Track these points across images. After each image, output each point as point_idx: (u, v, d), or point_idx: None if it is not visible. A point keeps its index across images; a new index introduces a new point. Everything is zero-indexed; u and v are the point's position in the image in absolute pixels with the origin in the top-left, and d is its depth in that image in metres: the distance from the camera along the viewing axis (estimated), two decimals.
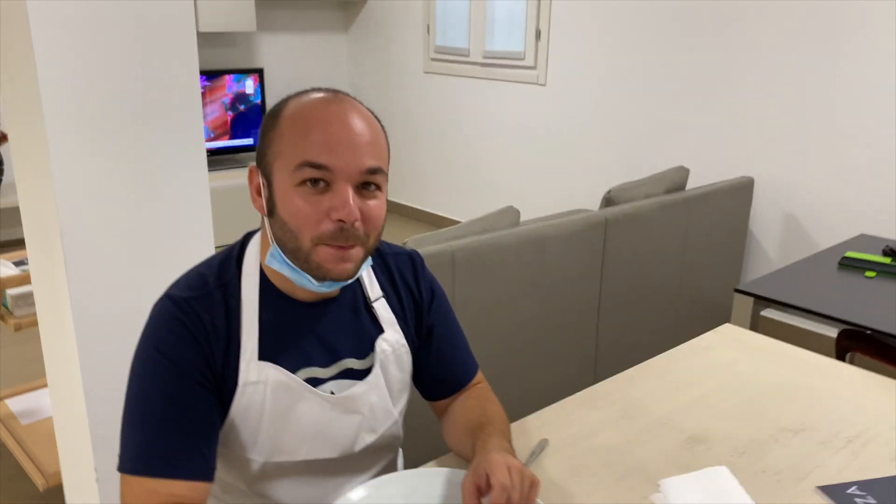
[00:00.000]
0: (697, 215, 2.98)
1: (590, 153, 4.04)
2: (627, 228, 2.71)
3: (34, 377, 2.76)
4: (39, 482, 2.00)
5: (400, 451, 1.26)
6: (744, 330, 1.63)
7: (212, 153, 4.74)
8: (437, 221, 5.05)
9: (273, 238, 0.98)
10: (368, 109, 1.00)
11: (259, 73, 4.84)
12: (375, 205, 0.97)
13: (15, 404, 2.39)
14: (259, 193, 1.00)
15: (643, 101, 3.72)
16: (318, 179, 0.93)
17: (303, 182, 0.93)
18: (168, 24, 1.47)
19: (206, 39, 4.87)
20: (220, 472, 1.05)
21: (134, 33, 1.43)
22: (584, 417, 1.27)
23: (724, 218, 3.15)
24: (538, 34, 4.12)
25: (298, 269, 0.97)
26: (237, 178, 4.58)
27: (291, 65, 5.27)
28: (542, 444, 1.17)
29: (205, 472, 0.95)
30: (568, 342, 2.65)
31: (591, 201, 3.93)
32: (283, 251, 0.97)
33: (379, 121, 1.01)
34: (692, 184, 3.36)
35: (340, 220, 0.93)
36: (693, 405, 1.31)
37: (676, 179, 3.02)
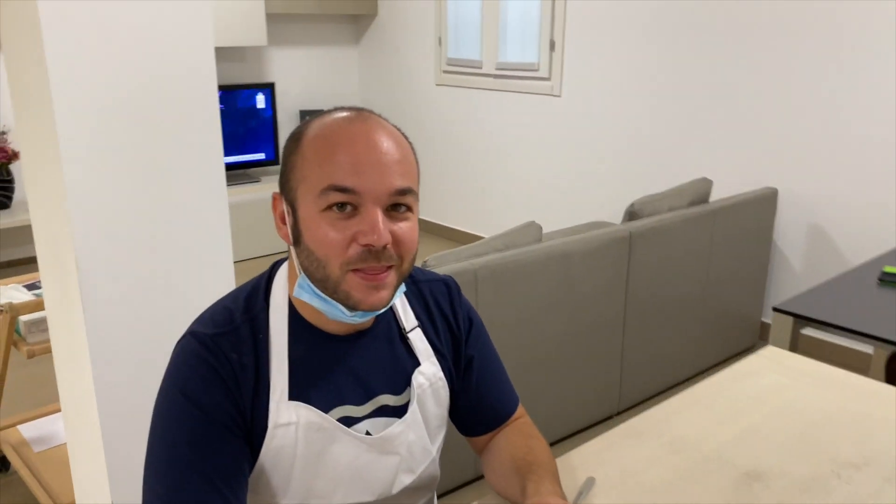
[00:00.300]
0: (722, 228, 2.91)
1: (608, 165, 3.97)
2: (652, 242, 2.64)
3: (46, 401, 2.70)
4: None
5: None
6: (787, 353, 1.56)
7: None
8: (452, 235, 4.98)
9: (300, 268, 0.92)
10: (396, 127, 0.94)
11: (270, 87, 4.80)
12: (407, 226, 0.91)
13: (27, 430, 2.33)
14: (284, 221, 0.95)
15: (662, 110, 3.66)
16: (345, 203, 0.87)
17: (328, 207, 0.87)
18: (186, 38, 1.41)
19: (217, 54, 4.84)
20: None
21: (152, 49, 1.38)
22: (630, 452, 1.19)
23: (749, 230, 3.07)
24: (552, 45, 4.07)
25: (328, 299, 0.91)
26: (248, 193, 4.54)
27: (302, 79, 5.23)
28: (590, 483, 1.10)
29: None
30: (592, 360, 2.58)
31: (610, 214, 3.86)
32: (311, 281, 0.91)
33: (407, 138, 0.95)
34: (715, 196, 3.29)
35: (369, 245, 0.87)
36: (744, 438, 1.23)
37: (700, 191, 2.95)
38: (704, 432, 1.25)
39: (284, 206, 0.94)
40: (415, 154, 0.96)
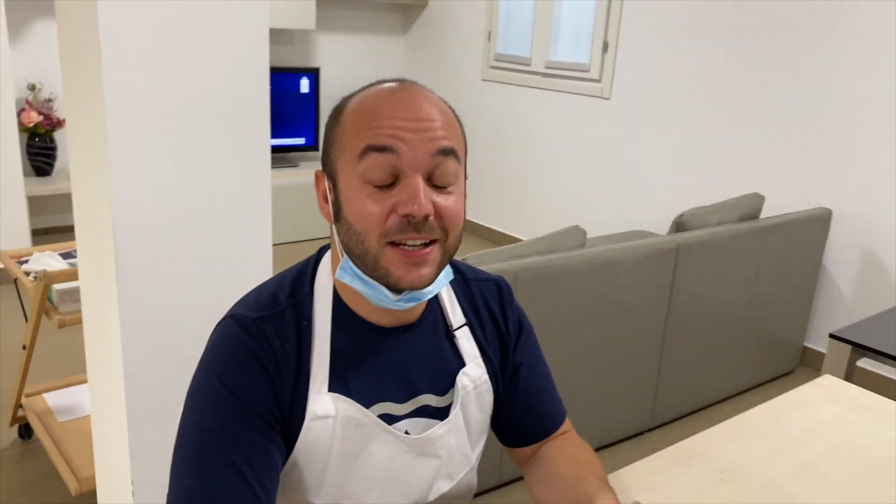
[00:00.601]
0: (771, 246, 2.80)
1: (655, 173, 3.87)
2: (699, 256, 2.55)
3: (75, 370, 2.70)
4: (73, 486, 1.92)
5: None
6: (845, 383, 1.47)
7: None
8: (489, 235, 4.91)
9: (342, 248, 0.87)
10: (442, 100, 0.88)
11: (315, 72, 4.77)
12: (451, 199, 0.84)
13: (53, 399, 2.32)
14: (326, 200, 0.89)
15: (714, 121, 3.54)
16: (385, 185, 0.81)
17: (368, 179, 0.81)
18: (243, 17, 1.37)
19: None
20: None
21: (207, 26, 1.33)
22: (679, 478, 1.12)
23: (799, 251, 2.96)
24: (605, 46, 3.98)
25: (370, 281, 0.85)
26: (285, 178, 4.52)
27: (347, 65, 5.20)
28: None
29: None
30: (628, 373, 2.50)
31: (654, 223, 3.76)
32: (352, 259, 0.85)
33: (454, 111, 0.89)
34: (766, 212, 3.18)
35: (409, 215, 0.80)
36: (802, 472, 1.15)
37: (751, 207, 2.84)
38: (758, 463, 1.17)
39: (326, 183, 0.89)
40: (461, 126, 0.89)
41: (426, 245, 0.83)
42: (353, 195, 0.83)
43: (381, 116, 0.82)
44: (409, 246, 0.82)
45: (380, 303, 0.87)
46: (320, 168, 0.91)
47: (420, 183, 0.81)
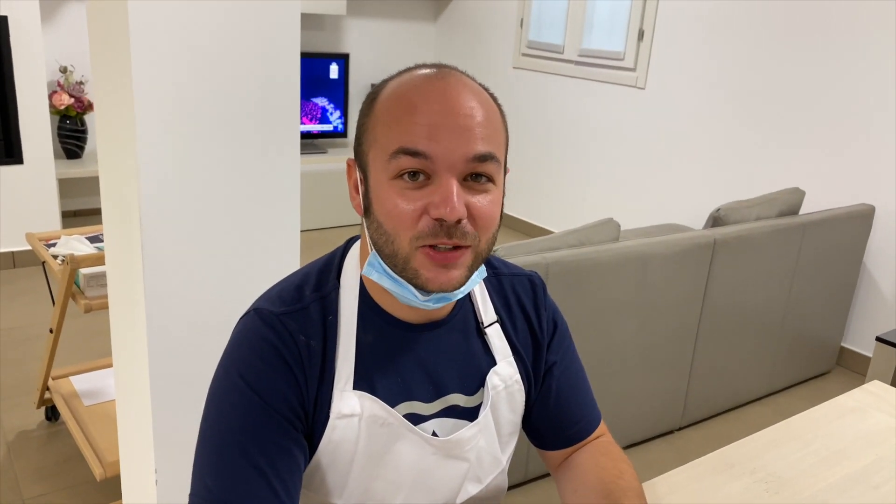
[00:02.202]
0: (810, 243, 2.71)
1: (690, 165, 3.77)
2: (736, 252, 2.47)
3: (102, 352, 2.70)
4: (97, 471, 1.91)
5: None
6: None
7: None
8: (519, 226, 4.85)
9: (371, 243, 0.82)
10: (483, 87, 0.83)
11: (345, 58, 4.73)
12: (486, 199, 0.79)
13: (80, 382, 2.32)
14: (357, 191, 0.84)
15: (753, 112, 3.44)
16: (417, 172, 0.76)
17: (399, 175, 0.77)
18: (273, 1, 1.33)
19: None
20: None
21: (237, 8, 1.29)
22: (721, 487, 1.07)
23: (839, 248, 2.86)
24: (641, 34, 3.88)
25: (399, 280, 0.81)
26: (313, 164, 4.50)
27: (377, 52, 5.15)
28: None
29: None
30: (660, 370, 2.44)
31: (689, 218, 3.67)
32: (381, 257, 0.81)
33: (495, 99, 0.83)
34: (806, 208, 3.08)
35: (441, 218, 0.76)
36: (850, 483, 1.09)
37: (791, 202, 2.75)
38: (804, 473, 1.12)
39: (357, 174, 0.84)
40: (503, 116, 0.84)
41: (456, 248, 0.79)
42: (383, 192, 0.78)
43: (417, 111, 0.77)
44: (440, 248, 0.78)
45: (408, 302, 0.83)
46: (352, 157, 0.86)
47: (454, 186, 0.76)
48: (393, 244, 0.79)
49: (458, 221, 0.76)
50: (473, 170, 0.78)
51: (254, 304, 0.87)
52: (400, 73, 0.83)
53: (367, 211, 0.82)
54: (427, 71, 0.81)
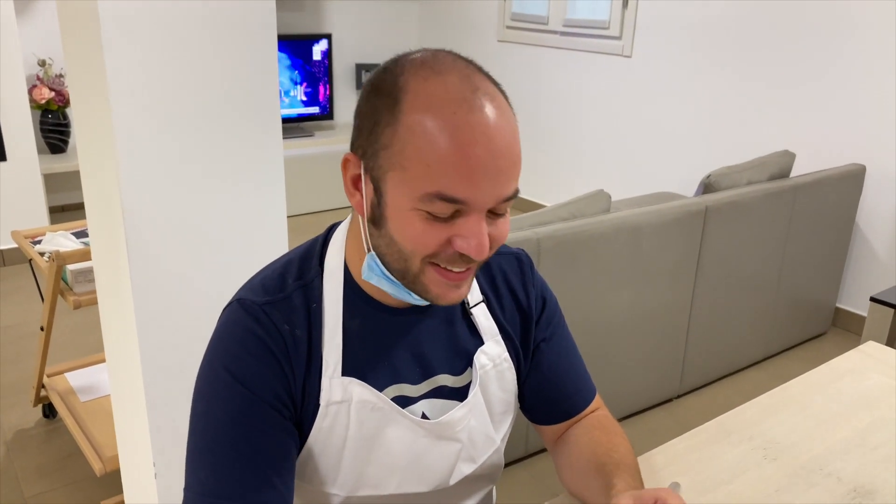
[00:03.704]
0: (802, 205, 2.70)
1: (679, 132, 3.75)
2: (728, 218, 2.46)
3: (97, 348, 2.69)
4: (97, 466, 1.91)
5: None
6: (893, 350, 1.39)
7: None
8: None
9: (370, 245, 0.80)
10: (502, 93, 0.77)
11: (327, 38, 4.67)
12: (503, 222, 0.78)
13: (75, 379, 2.31)
14: (356, 187, 0.79)
15: (741, 76, 3.41)
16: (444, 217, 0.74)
17: (428, 211, 0.73)
18: None
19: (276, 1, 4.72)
20: None
21: None
22: (719, 456, 1.06)
23: (831, 209, 2.86)
24: (625, 2, 3.83)
25: (400, 286, 0.80)
26: (300, 148, 4.45)
27: (360, 30, 5.08)
28: (674, 489, 0.98)
29: None
30: (656, 339, 2.44)
31: (680, 185, 3.66)
32: (387, 268, 0.80)
33: (512, 109, 0.78)
34: (797, 171, 3.07)
35: (466, 254, 0.75)
36: (849, 447, 1.09)
37: (781, 165, 2.74)
38: (802, 437, 1.11)
39: (362, 174, 0.78)
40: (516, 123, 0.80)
41: (468, 268, 0.79)
42: (404, 217, 0.75)
43: (460, 155, 0.71)
44: (454, 271, 0.78)
45: (402, 299, 0.83)
46: (350, 152, 0.79)
47: (484, 225, 0.75)
48: (406, 262, 0.77)
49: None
50: (501, 206, 0.76)
51: (236, 294, 0.85)
52: (424, 73, 0.73)
53: (376, 222, 0.78)
54: (461, 89, 0.73)
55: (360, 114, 0.78)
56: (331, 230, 0.90)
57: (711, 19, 3.48)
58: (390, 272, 0.80)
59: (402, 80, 0.74)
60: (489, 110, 0.73)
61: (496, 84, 0.78)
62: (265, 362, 0.80)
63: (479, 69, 0.78)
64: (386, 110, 0.74)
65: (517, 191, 0.76)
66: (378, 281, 0.81)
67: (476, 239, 0.74)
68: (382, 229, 0.78)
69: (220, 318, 0.85)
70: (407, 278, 0.79)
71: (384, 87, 0.75)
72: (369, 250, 0.81)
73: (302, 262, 0.87)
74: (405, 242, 0.76)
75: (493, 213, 0.77)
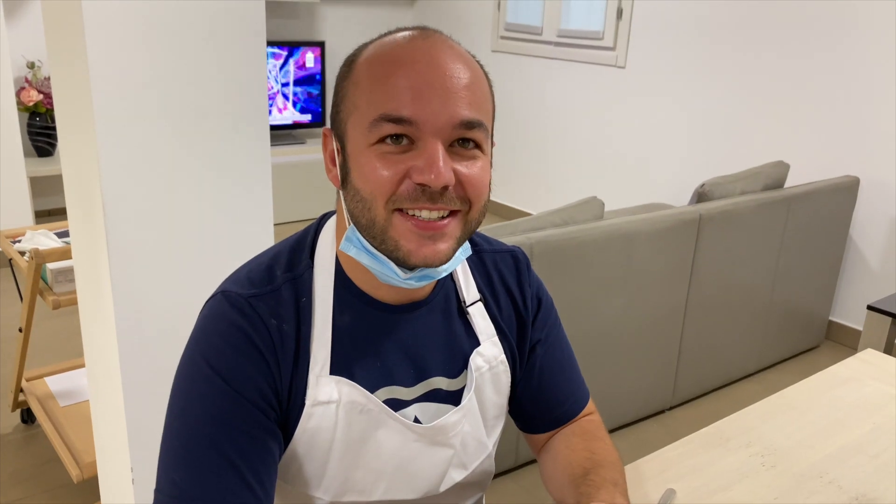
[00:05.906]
0: (796, 216, 2.69)
1: (674, 143, 3.74)
2: (722, 227, 2.44)
3: (78, 353, 2.63)
4: (74, 473, 1.85)
5: None
6: (891, 358, 1.37)
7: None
8: (504, 212, 4.80)
9: (349, 217, 0.77)
10: (468, 52, 0.78)
11: (321, 46, 4.65)
12: (476, 165, 0.74)
13: (54, 383, 2.25)
14: (334, 162, 0.79)
15: (735, 87, 3.41)
16: (401, 136, 0.71)
17: (381, 140, 0.71)
18: None
19: (268, 8, 4.70)
20: None
21: None
22: (715, 462, 1.03)
23: (825, 221, 2.84)
24: (619, 13, 3.83)
25: (378, 255, 0.75)
26: (292, 155, 4.42)
27: (354, 39, 5.05)
28: (669, 496, 0.94)
29: None
30: (649, 349, 2.40)
31: (673, 195, 3.64)
32: (358, 230, 0.76)
33: (482, 66, 0.78)
34: (791, 181, 3.05)
35: (424, 184, 0.71)
36: (848, 454, 1.06)
37: (775, 176, 2.73)
38: (800, 445, 1.08)
39: (334, 143, 0.79)
40: (490, 85, 0.79)
41: (444, 217, 0.74)
42: (362, 158, 0.73)
43: (399, 73, 0.71)
44: (423, 217, 0.73)
45: (388, 280, 0.77)
46: (328, 126, 0.81)
47: (440, 149, 0.71)
48: (370, 211, 0.73)
49: (445, 188, 0.71)
50: (460, 135, 0.72)
51: (221, 285, 0.81)
52: (381, 36, 0.78)
53: (344, 181, 0.77)
54: (408, 32, 0.76)
55: (333, 91, 0.80)
56: (322, 219, 0.87)
57: (705, 30, 3.48)
58: (361, 232, 0.76)
59: (363, 47, 0.79)
60: (438, 42, 0.75)
61: (468, 51, 0.78)
62: (250, 358, 0.76)
63: (449, 37, 0.78)
64: (346, 71, 0.78)
65: (479, 123, 0.73)
66: (357, 253, 0.77)
67: (430, 161, 0.70)
68: (349, 185, 0.76)
69: (202, 310, 0.81)
70: (376, 235, 0.74)
71: (349, 59, 0.79)
72: (348, 223, 0.77)
73: (292, 254, 0.83)
74: (365, 186, 0.73)
75: (460, 152, 0.73)
